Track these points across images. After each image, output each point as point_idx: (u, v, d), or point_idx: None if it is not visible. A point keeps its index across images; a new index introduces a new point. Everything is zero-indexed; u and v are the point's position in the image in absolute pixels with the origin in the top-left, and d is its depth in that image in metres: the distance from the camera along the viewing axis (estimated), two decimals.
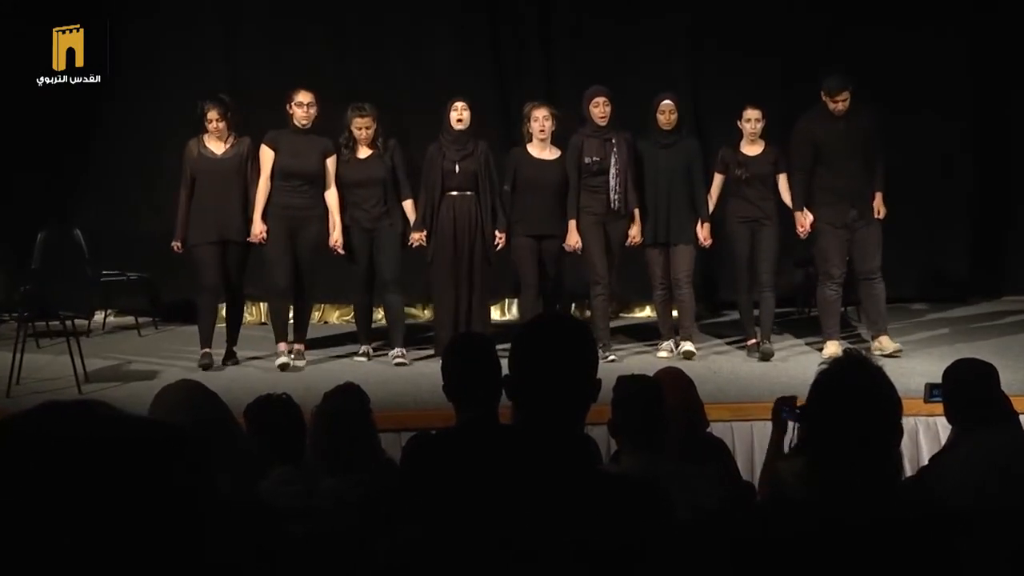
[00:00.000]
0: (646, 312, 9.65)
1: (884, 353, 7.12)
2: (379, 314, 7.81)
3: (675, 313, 7.72)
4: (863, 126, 7.36)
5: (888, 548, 2.12)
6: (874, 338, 7.45)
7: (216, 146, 7.25)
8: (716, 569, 2.20)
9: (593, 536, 1.93)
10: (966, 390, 3.97)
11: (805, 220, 7.39)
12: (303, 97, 7.22)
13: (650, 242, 7.51)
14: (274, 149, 7.24)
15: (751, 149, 7.53)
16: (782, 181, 7.53)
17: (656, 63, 9.37)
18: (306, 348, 7.50)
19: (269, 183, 7.24)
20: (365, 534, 3.48)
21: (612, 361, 7.14)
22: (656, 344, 7.79)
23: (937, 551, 2.14)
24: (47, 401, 1.14)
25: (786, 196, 7.53)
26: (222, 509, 1.25)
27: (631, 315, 9.57)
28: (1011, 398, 4.12)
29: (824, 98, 7.28)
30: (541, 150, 7.45)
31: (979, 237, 9.97)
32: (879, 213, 7.38)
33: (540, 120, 7.36)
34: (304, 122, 7.22)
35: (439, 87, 8.67)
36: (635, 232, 7.48)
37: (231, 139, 7.26)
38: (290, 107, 7.24)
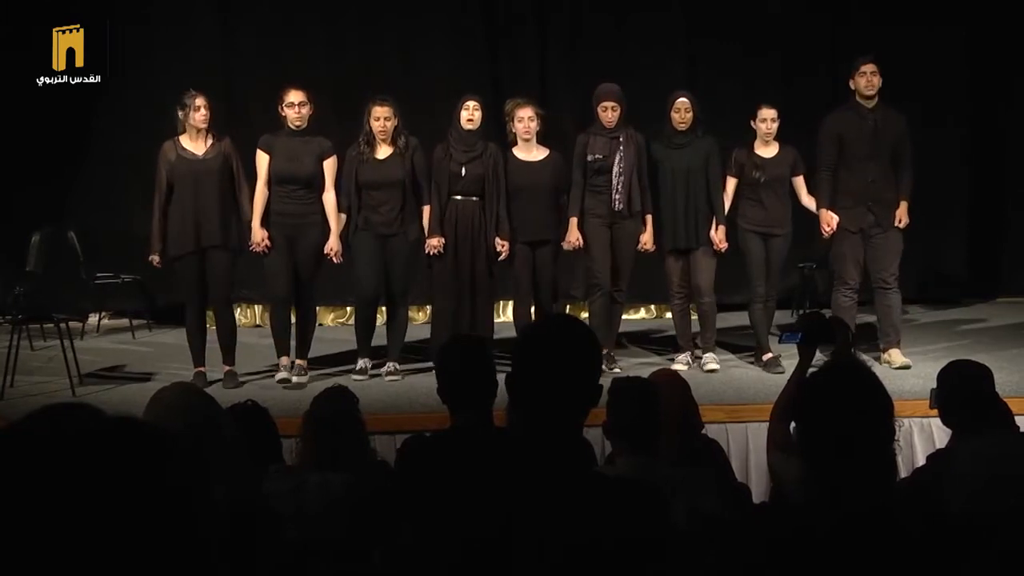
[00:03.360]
0: (640, 314, 9.65)
1: (892, 367, 6.94)
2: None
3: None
4: (892, 128, 7.04)
5: (884, 549, 2.12)
6: (884, 350, 7.15)
7: (195, 146, 6.72)
8: (714, 571, 2.20)
9: (589, 538, 1.93)
10: (961, 392, 3.96)
11: (832, 219, 7.05)
12: (294, 96, 6.79)
13: (669, 248, 7.15)
14: (268, 153, 6.83)
15: (766, 151, 7.20)
16: (799, 184, 7.27)
17: (654, 62, 9.35)
18: (308, 364, 7.03)
19: (267, 189, 6.82)
20: (359, 535, 3.48)
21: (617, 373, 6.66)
22: (672, 356, 7.38)
23: (934, 553, 2.14)
24: (43, 406, 1.14)
25: (804, 199, 7.27)
26: (216, 512, 1.24)
27: (627, 316, 9.48)
28: (1006, 400, 4.12)
29: (853, 81, 6.99)
30: (527, 152, 7.07)
31: (974, 239, 9.98)
32: (900, 222, 7.04)
33: (525, 120, 6.98)
34: (298, 123, 6.80)
35: (436, 87, 8.67)
36: (646, 239, 7.12)
37: (210, 139, 6.75)
38: (281, 108, 6.83)
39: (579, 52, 9.59)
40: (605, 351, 6.99)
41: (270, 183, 6.84)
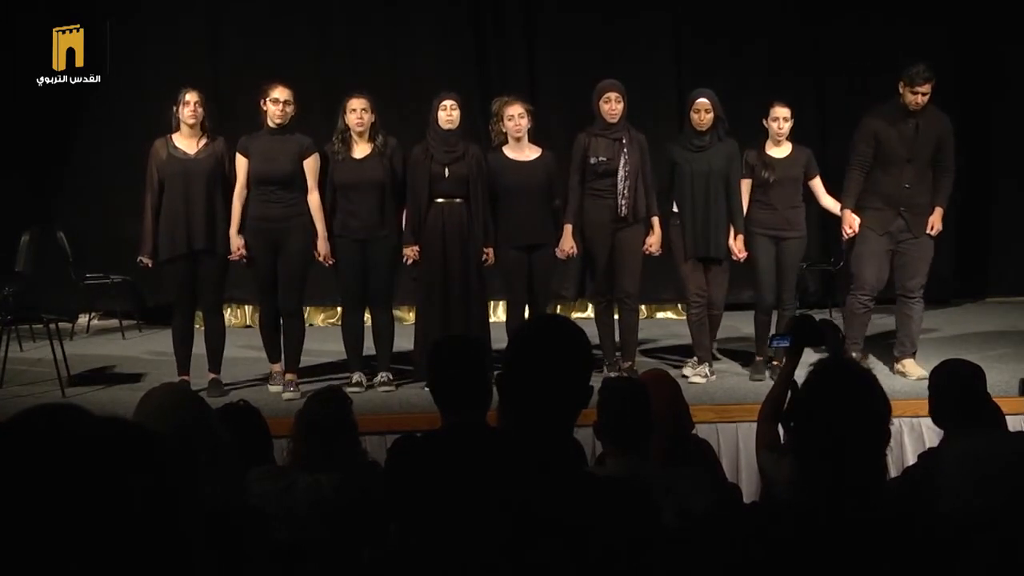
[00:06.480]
0: None
1: (909, 378, 6.64)
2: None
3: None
4: (935, 131, 6.69)
5: (875, 548, 2.12)
6: (898, 360, 6.88)
7: (188, 145, 6.50)
8: (706, 571, 2.20)
9: (579, 538, 1.93)
10: (953, 391, 3.97)
11: (853, 221, 6.76)
12: (279, 93, 6.51)
13: (689, 255, 6.77)
14: (246, 156, 6.54)
15: (778, 151, 6.90)
16: (815, 186, 6.99)
17: (641, 59, 9.36)
18: (299, 377, 6.73)
19: (244, 193, 6.55)
20: (349, 536, 3.48)
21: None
22: (682, 363, 7.07)
23: (924, 553, 2.14)
24: (31, 407, 1.14)
25: (823, 200, 7.01)
26: (202, 513, 1.24)
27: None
28: (996, 400, 4.14)
29: (903, 88, 6.59)
30: (519, 151, 6.71)
31: (962, 239, 9.99)
32: (932, 229, 6.75)
33: (515, 118, 6.62)
34: (279, 120, 6.51)
35: (424, 87, 8.65)
36: (653, 242, 6.80)
37: (204, 138, 6.54)
38: (264, 103, 6.53)
39: (565, 51, 9.59)
40: (628, 363, 6.82)
41: (249, 186, 6.57)
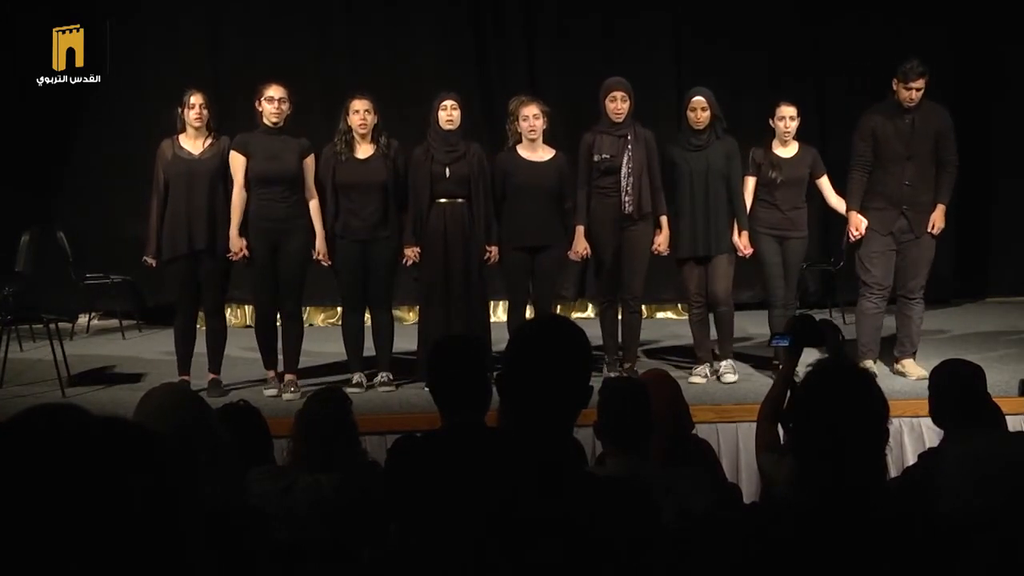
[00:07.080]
0: None
1: (909, 378, 6.59)
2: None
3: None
4: (932, 126, 6.65)
5: (875, 548, 2.12)
6: (898, 360, 6.83)
7: (193, 146, 6.46)
8: (706, 571, 2.20)
9: (579, 538, 1.93)
10: (953, 391, 3.97)
11: (860, 222, 6.70)
12: (274, 91, 6.44)
13: (687, 255, 6.75)
14: (245, 154, 6.45)
15: (784, 150, 6.85)
16: (823, 185, 6.95)
17: (641, 59, 9.36)
18: (299, 377, 6.70)
19: (244, 192, 6.46)
20: (349, 536, 3.48)
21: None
22: (690, 368, 6.92)
23: (925, 553, 2.15)
24: (31, 407, 1.14)
25: (831, 201, 6.97)
26: (201, 513, 1.24)
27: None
28: (996, 400, 4.14)
29: (896, 85, 6.58)
30: (532, 151, 6.67)
31: (962, 239, 9.99)
32: (933, 227, 6.69)
33: (530, 119, 6.58)
34: (275, 119, 6.43)
35: (424, 88, 8.66)
36: (661, 241, 6.73)
37: (210, 138, 6.50)
38: (259, 103, 6.46)
39: (568, 51, 9.60)
40: (628, 364, 6.79)
41: (248, 186, 6.48)
